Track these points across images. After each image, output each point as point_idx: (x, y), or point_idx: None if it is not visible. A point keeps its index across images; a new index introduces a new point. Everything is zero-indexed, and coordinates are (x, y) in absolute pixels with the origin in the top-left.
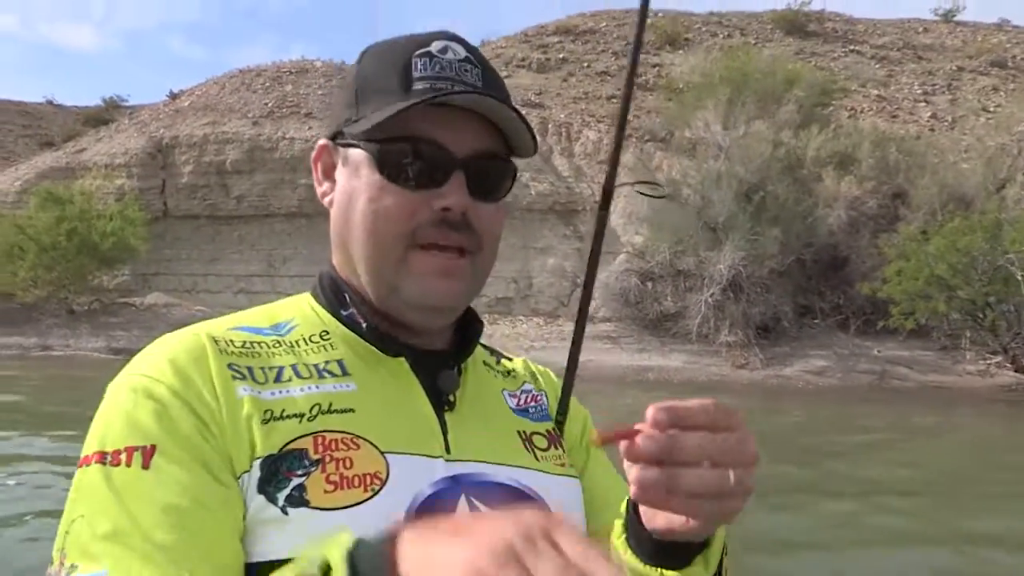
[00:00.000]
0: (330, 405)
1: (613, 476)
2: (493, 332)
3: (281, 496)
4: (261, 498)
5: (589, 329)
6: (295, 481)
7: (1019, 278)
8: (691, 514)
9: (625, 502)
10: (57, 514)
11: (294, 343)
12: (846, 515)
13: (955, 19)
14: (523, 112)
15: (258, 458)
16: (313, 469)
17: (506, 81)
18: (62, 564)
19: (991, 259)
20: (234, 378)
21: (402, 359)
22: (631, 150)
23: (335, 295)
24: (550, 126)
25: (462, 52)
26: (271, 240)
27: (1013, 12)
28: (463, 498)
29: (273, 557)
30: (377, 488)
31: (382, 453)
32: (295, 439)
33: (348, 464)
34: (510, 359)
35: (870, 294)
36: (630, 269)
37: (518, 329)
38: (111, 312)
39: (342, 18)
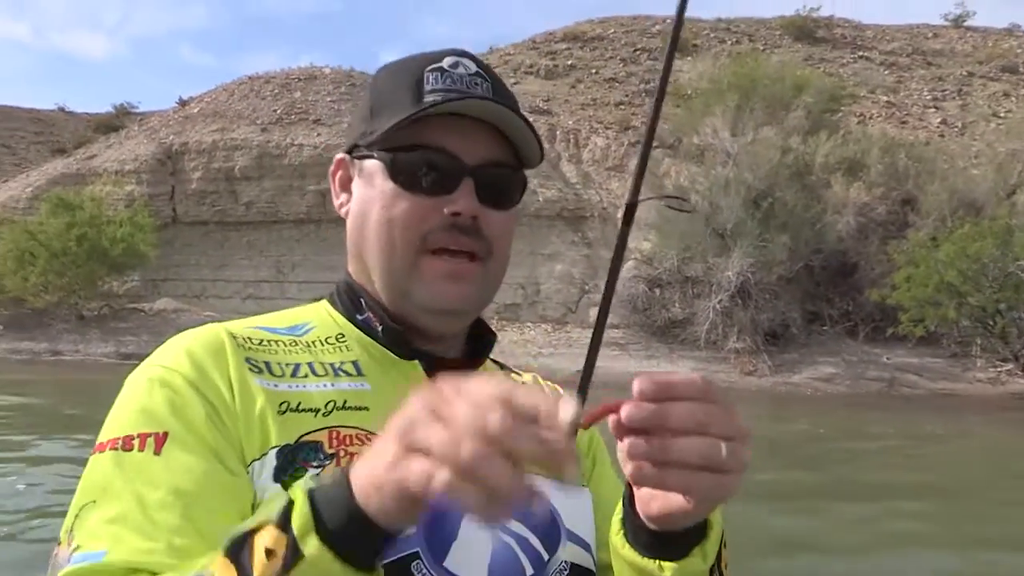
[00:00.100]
0: (345, 402)
1: (621, 485)
2: (501, 339)
3: None
4: (276, 487)
5: None
6: (310, 472)
7: None
8: (685, 489)
9: (622, 496)
10: None
11: (311, 343)
12: (856, 519)
13: (965, 24)
14: (531, 119)
15: (274, 447)
16: (328, 463)
17: (514, 88)
18: (69, 544)
19: (1002, 265)
20: (251, 371)
21: (416, 362)
22: (638, 157)
23: (351, 300)
24: (558, 132)
25: (472, 67)
26: (280, 246)
27: None
28: None
29: None
30: None
31: None
32: (311, 432)
33: None
34: (519, 374)
35: (879, 301)
36: (638, 276)
37: (526, 336)
38: (120, 317)
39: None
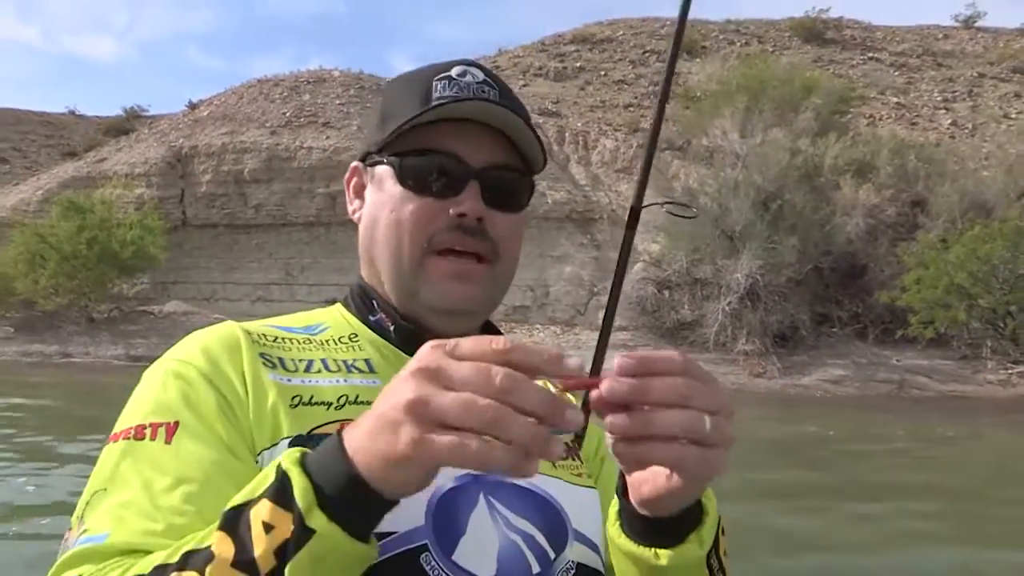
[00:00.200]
0: (357, 397)
1: None
2: None
3: None
4: None
5: None
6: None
7: None
8: (672, 463)
9: (616, 487)
10: None
11: (324, 342)
12: (865, 519)
13: (976, 25)
14: (540, 121)
15: (286, 438)
16: None
17: (523, 90)
18: (78, 528)
19: (1012, 267)
20: (264, 366)
21: None
22: (642, 162)
23: (364, 302)
24: (567, 135)
25: (480, 75)
26: (289, 249)
27: None
28: (481, 496)
29: None
30: None
31: None
32: (323, 424)
33: None
34: None
35: (889, 303)
36: (647, 278)
37: (535, 338)
38: (130, 320)
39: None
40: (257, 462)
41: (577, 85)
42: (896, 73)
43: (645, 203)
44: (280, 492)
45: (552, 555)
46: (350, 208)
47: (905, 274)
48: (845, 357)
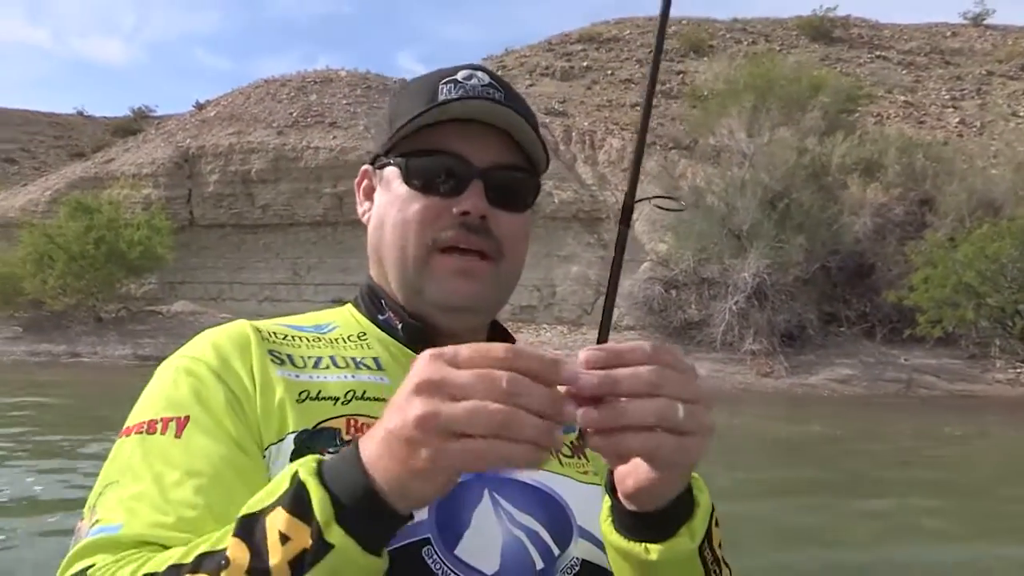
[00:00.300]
0: (364, 392)
1: None
2: (517, 340)
3: None
4: None
5: (612, 337)
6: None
7: None
8: (647, 453)
9: (604, 483)
10: None
11: (333, 340)
12: (871, 515)
13: (984, 23)
14: (547, 120)
15: (292, 432)
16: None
17: (530, 89)
18: (90, 519)
19: (1021, 266)
20: (273, 362)
21: None
22: (655, 158)
23: (372, 302)
24: (574, 134)
25: (486, 79)
26: (296, 249)
27: None
28: (485, 492)
29: None
30: None
31: None
32: (329, 419)
33: None
34: None
35: (896, 302)
36: (654, 277)
37: (542, 337)
38: (138, 320)
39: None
40: (264, 457)
41: (584, 84)
42: (904, 71)
43: (637, 199)
44: (297, 502)
45: (556, 551)
46: (360, 210)
47: (913, 273)
48: (853, 356)
